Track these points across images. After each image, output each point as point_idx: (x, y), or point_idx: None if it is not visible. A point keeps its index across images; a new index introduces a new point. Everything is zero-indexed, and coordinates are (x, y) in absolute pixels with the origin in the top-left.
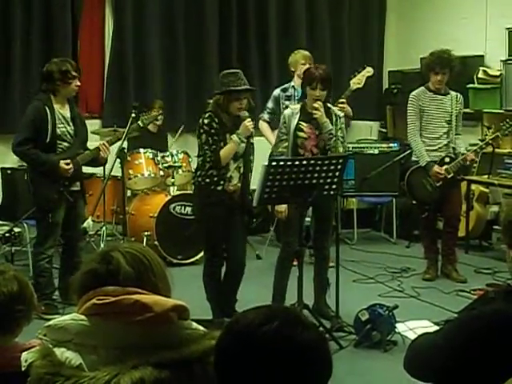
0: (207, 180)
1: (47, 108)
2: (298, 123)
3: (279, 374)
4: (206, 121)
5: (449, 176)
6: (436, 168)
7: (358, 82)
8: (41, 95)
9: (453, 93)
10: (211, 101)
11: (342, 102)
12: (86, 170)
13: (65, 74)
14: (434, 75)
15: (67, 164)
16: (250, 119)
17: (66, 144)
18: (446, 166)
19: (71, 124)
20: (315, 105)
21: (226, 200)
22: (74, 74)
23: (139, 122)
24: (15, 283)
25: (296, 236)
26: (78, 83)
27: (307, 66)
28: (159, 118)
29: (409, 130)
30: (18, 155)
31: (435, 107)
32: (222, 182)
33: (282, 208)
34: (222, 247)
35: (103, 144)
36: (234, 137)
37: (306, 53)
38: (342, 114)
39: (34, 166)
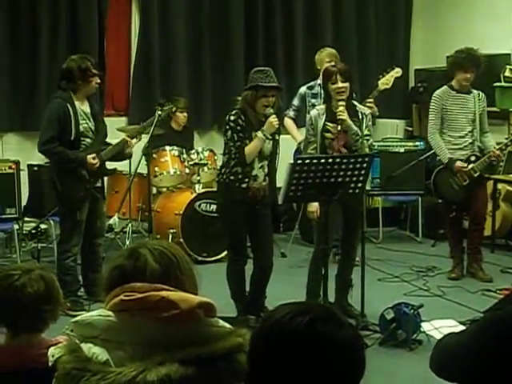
0: (232, 177)
1: (69, 105)
2: (324, 124)
3: (309, 370)
4: (232, 117)
5: (475, 175)
6: (459, 163)
7: (386, 82)
8: (61, 93)
9: (475, 91)
10: (240, 98)
11: (370, 102)
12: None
13: (85, 71)
14: (463, 73)
15: (93, 158)
16: (275, 116)
17: (88, 140)
18: (472, 165)
19: (92, 120)
20: (339, 109)
21: (248, 198)
22: (94, 71)
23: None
24: (41, 283)
25: (323, 233)
26: (98, 80)
27: (333, 63)
28: (181, 114)
29: (429, 128)
30: (44, 154)
31: (459, 106)
32: (246, 180)
33: (314, 208)
34: (245, 246)
35: (126, 139)
36: (259, 133)
37: (333, 51)
38: (368, 112)
39: (62, 163)
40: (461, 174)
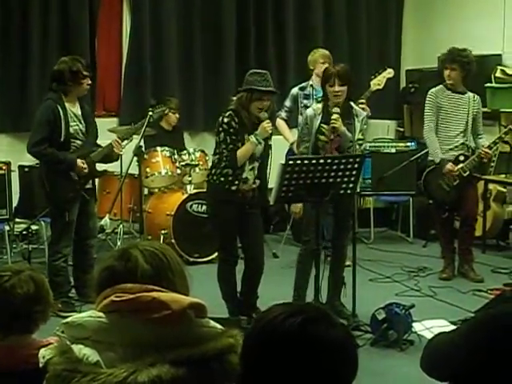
0: (222, 179)
1: (59, 107)
2: (319, 125)
3: (302, 370)
4: (225, 119)
5: (465, 174)
6: (449, 165)
7: (378, 83)
8: (52, 94)
9: (470, 93)
10: (234, 98)
11: (362, 103)
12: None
13: (76, 74)
14: (444, 70)
15: (83, 163)
16: (268, 121)
17: (78, 142)
18: (461, 165)
19: (83, 122)
20: (333, 117)
21: (238, 200)
22: (84, 73)
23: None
24: (31, 284)
25: (314, 234)
26: (89, 82)
27: (326, 65)
28: (173, 115)
29: (425, 126)
30: (34, 155)
31: (452, 105)
32: (236, 182)
33: (297, 208)
34: (235, 246)
35: (116, 141)
36: (252, 137)
37: (326, 52)
38: (364, 114)
39: (52, 165)
40: (450, 175)
